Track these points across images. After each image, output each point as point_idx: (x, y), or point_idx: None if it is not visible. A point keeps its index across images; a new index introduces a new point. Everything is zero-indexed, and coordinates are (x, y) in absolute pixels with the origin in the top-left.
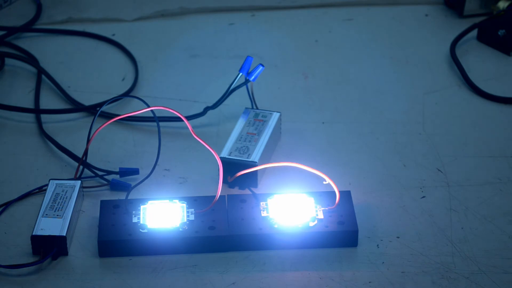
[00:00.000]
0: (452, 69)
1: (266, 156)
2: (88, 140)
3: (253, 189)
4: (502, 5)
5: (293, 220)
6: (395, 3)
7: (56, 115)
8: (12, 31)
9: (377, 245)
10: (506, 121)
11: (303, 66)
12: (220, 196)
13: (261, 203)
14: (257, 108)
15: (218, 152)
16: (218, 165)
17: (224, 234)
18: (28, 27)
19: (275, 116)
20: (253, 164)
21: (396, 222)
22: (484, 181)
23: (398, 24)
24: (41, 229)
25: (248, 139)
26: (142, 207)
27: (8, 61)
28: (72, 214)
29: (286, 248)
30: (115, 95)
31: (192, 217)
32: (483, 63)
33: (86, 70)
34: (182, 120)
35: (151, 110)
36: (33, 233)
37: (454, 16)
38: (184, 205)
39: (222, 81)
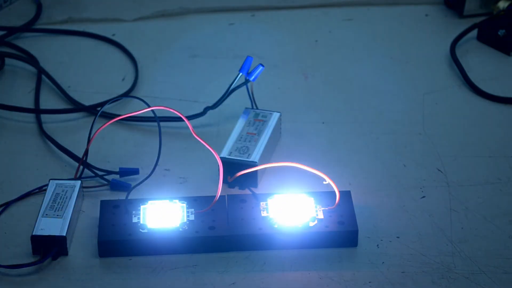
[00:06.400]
0: (452, 69)
1: (266, 156)
2: (89, 140)
3: (253, 189)
4: (502, 5)
5: (293, 220)
6: (395, 3)
7: (56, 115)
8: (12, 31)
9: (377, 245)
10: (506, 121)
11: (303, 66)
12: (220, 196)
13: (261, 203)
14: (257, 108)
15: (218, 152)
16: (218, 165)
17: (224, 234)
18: (28, 27)
19: (275, 116)
20: (253, 164)
21: (396, 222)
22: (484, 181)
23: (398, 24)
24: (41, 229)
25: (248, 139)
26: (142, 207)
27: (8, 61)
28: (72, 214)
29: (286, 248)
30: (115, 95)
31: (192, 217)
32: (483, 63)
33: (86, 70)
34: (182, 120)
35: (152, 110)
36: (33, 233)
37: (454, 16)
38: (184, 205)
39: (222, 81)
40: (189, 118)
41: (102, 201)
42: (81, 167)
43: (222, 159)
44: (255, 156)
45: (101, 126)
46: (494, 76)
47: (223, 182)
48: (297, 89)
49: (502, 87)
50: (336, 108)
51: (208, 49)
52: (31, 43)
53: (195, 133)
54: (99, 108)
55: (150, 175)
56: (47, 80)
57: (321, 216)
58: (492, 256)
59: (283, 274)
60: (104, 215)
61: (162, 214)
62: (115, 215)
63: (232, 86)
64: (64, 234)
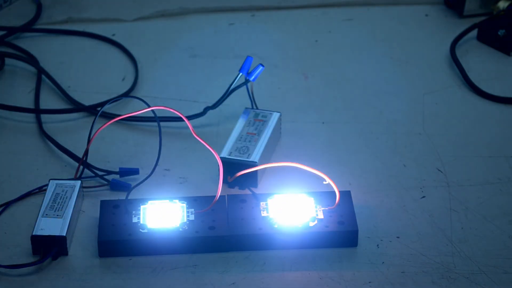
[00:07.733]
0: (452, 69)
1: (266, 156)
2: (89, 140)
3: (253, 189)
4: (502, 5)
5: (293, 220)
6: (395, 3)
7: (56, 115)
8: (12, 31)
9: (377, 245)
10: (506, 121)
11: (303, 66)
12: (220, 196)
13: (261, 203)
14: (257, 108)
15: (218, 152)
16: (218, 165)
17: (224, 234)
18: (28, 27)
19: (275, 116)
20: (253, 164)
21: (396, 222)
22: (484, 181)
23: (398, 24)
24: (41, 229)
25: (248, 139)
26: (142, 207)
27: (8, 61)
28: (72, 214)
29: (286, 248)
30: (115, 95)
31: (192, 217)
32: (483, 63)
33: (86, 70)
34: (182, 120)
35: (152, 110)
36: (33, 233)
37: (454, 16)
38: (184, 205)
39: (222, 81)
40: (189, 118)
41: (102, 201)
42: (81, 167)
43: (222, 159)
44: (255, 156)
45: (101, 126)
46: (494, 76)
47: (223, 182)
48: (297, 89)
49: (502, 87)
50: (336, 108)
51: (208, 49)
52: (31, 43)
53: (195, 133)
54: (99, 108)
55: (150, 175)
56: (47, 80)
57: (321, 216)
58: (492, 256)
59: (283, 274)
60: (104, 215)
61: (162, 214)
62: (115, 215)
63: (232, 86)
64: (64, 234)
